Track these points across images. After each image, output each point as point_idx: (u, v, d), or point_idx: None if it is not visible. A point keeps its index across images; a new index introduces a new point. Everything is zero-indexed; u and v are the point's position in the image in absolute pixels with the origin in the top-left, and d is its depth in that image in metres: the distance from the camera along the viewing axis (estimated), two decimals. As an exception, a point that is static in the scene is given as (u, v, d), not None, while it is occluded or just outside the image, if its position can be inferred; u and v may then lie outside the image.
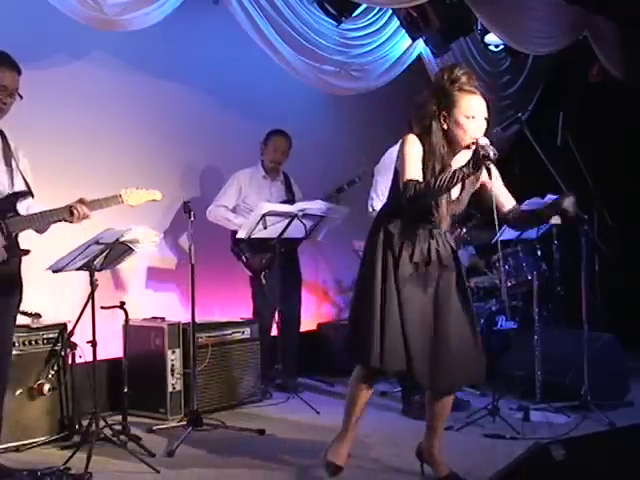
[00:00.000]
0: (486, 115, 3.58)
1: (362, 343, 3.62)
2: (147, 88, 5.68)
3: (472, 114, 3.54)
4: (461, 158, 3.56)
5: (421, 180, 3.48)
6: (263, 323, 5.67)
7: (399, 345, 3.55)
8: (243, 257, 5.71)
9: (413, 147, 3.55)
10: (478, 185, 3.70)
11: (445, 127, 3.56)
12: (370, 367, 3.65)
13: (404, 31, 6.23)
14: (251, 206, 5.68)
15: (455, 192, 3.63)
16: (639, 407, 5.20)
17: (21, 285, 3.89)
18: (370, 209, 4.97)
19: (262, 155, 5.88)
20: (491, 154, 3.37)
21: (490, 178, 3.49)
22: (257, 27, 5.47)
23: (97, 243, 4.01)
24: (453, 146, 3.58)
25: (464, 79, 3.60)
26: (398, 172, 3.61)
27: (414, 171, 3.50)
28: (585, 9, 6.88)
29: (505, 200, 3.76)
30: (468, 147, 3.52)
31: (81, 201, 3.83)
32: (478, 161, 3.39)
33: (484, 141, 3.44)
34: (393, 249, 3.60)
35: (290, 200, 5.82)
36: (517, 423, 4.66)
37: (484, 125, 3.57)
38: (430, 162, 3.54)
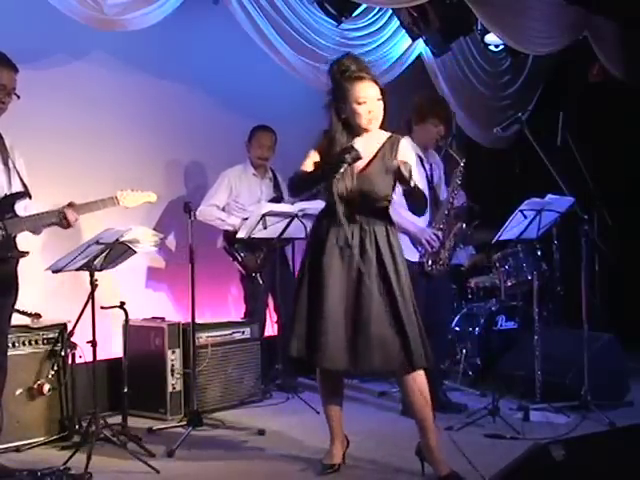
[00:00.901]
0: (378, 96, 3.75)
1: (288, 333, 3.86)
2: (147, 88, 5.68)
3: (362, 99, 3.70)
4: (363, 140, 3.71)
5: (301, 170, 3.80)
6: (257, 324, 5.66)
7: (308, 333, 3.72)
8: (238, 257, 5.69)
9: (308, 153, 3.89)
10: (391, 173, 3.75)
11: (344, 116, 3.76)
12: (289, 356, 3.83)
13: (404, 31, 6.22)
14: (243, 205, 5.68)
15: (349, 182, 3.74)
16: (639, 407, 5.20)
17: (17, 285, 3.89)
18: None
19: (248, 152, 5.86)
20: (351, 155, 3.60)
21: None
22: (257, 27, 5.47)
23: (97, 243, 4.02)
24: (355, 132, 3.75)
25: (353, 67, 3.78)
26: None
27: (305, 164, 3.85)
28: (585, 9, 6.87)
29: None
30: (366, 131, 3.72)
31: (70, 205, 3.84)
32: (337, 158, 3.64)
33: (357, 145, 3.64)
34: (321, 236, 3.79)
35: (278, 198, 5.80)
36: (517, 423, 4.66)
37: (377, 106, 3.74)
38: (333, 151, 3.75)
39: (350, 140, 3.72)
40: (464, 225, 5.02)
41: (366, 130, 3.74)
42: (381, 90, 3.77)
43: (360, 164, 3.72)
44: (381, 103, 3.75)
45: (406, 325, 3.68)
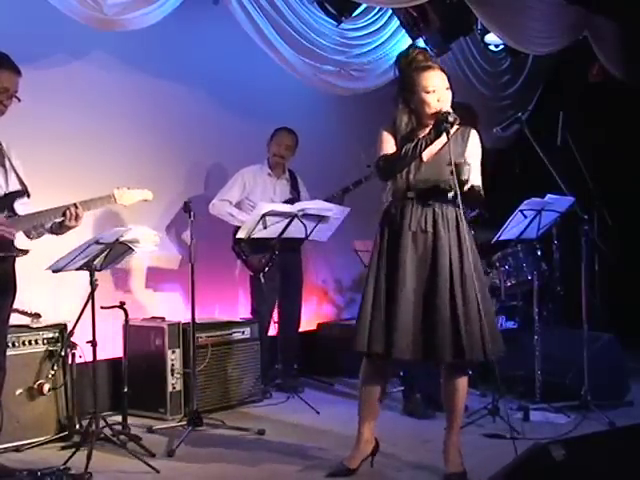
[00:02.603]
0: (447, 85, 3.76)
1: (355, 329, 3.77)
2: (147, 88, 5.68)
3: (431, 88, 3.72)
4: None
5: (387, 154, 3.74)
6: (261, 323, 5.67)
7: (383, 327, 3.67)
8: (243, 256, 5.70)
9: (383, 136, 3.81)
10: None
11: (412, 106, 3.77)
12: (356, 352, 3.76)
13: (404, 31, 6.22)
14: (255, 203, 5.68)
15: (425, 157, 3.75)
16: (639, 407, 5.20)
17: (15, 285, 3.89)
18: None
19: (268, 152, 5.89)
20: (450, 118, 3.59)
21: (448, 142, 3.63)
22: (257, 27, 5.46)
23: (97, 243, 4.01)
24: (424, 122, 3.76)
25: (420, 57, 3.81)
26: None
27: (384, 149, 3.77)
28: (585, 9, 6.87)
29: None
30: (433, 117, 3.71)
31: (75, 205, 3.84)
32: (437, 126, 3.63)
33: (446, 109, 3.66)
34: (393, 224, 3.76)
35: (295, 199, 5.82)
36: (517, 423, 4.66)
37: (446, 95, 3.75)
38: (402, 142, 3.74)
39: (417, 132, 3.74)
40: (472, 232, 5.02)
41: (430, 119, 3.72)
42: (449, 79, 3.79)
43: (431, 150, 3.72)
44: (450, 92, 3.75)
45: (483, 314, 3.67)
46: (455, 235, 3.76)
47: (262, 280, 5.55)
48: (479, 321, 3.67)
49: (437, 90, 3.72)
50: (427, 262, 3.71)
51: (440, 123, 3.62)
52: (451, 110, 3.65)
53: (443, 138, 3.68)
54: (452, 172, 3.64)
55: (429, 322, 3.66)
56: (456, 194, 3.64)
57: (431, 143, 3.66)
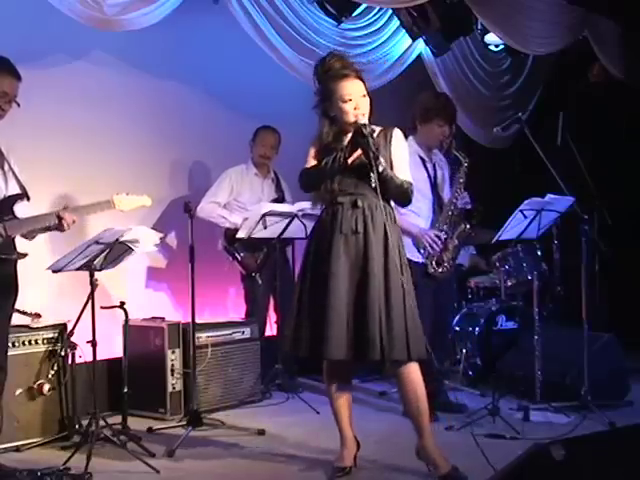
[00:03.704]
0: (363, 92, 3.80)
1: (285, 330, 3.89)
2: (147, 88, 5.68)
3: (348, 97, 3.75)
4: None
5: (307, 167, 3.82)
6: (257, 324, 5.66)
7: (311, 330, 3.72)
8: (238, 256, 5.68)
9: (309, 151, 3.90)
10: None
11: (332, 114, 3.81)
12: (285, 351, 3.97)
13: (404, 31, 6.22)
14: (243, 204, 5.68)
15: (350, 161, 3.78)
16: (639, 407, 5.20)
17: (17, 286, 3.89)
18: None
19: (251, 152, 5.87)
20: (365, 131, 3.64)
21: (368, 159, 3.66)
22: (257, 27, 5.47)
23: (97, 243, 4.02)
24: (344, 129, 3.81)
25: (337, 65, 3.82)
26: None
27: (307, 162, 3.87)
28: (585, 9, 6.87)
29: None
30: (350, 125, 3.76)
31: (66, 208, 3.84)
32: (354, 139, 3.69)
33: (362, 121, 3.70)
34: (324, 229, 3.80)
35: (280, 198, 5.81)
36: (517, 423, 4.66)
37: (363, 102, 3.78)
38: (327, 151, 3.80)
39: (340, 138, 3.80)
40: (468, 226, 5.01)
41: (349, 127, 3.76)
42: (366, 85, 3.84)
43: (354, 156, 3.74)
44: (367, 99, 3.79)
45: (407, 315, 3.69)
46: (382, 236, 3.77)
47: (260, 281, 5.54)
48: (404, 321, 3.69)
49: (353, 98, 3.74)
50: (359, 263, 3.73)
51: (355, 136, 3.68)
52: (366, 121, 3.69)
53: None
54: (371, 169, 3.67)
55: (360, 321, 3.67)
56: (377, 187, 3.68)
57: (349, 156, 3.71)
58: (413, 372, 3.77)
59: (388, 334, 3.64)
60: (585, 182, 6.13)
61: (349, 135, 3.77)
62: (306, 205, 5.21)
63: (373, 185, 3.68)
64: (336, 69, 3.79)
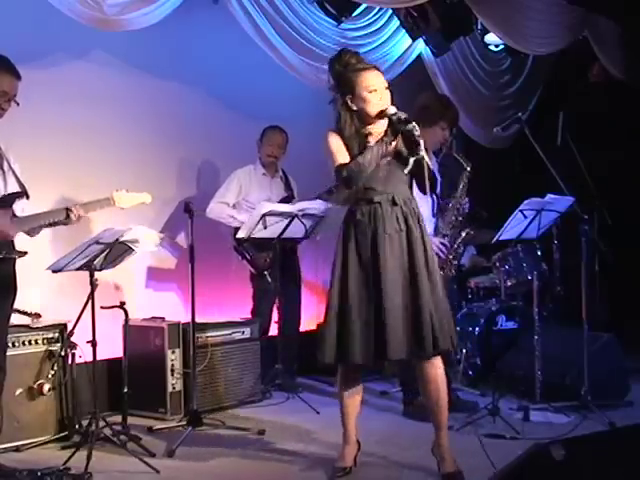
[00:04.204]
0: (386, 85, 3.79)
1: (318, 340, 3.81)
2: (147, 87, 5.68)
3: (373, 87, 3.74)
4: (375, 128, 3.78)
5: (346, 162, 3.71)
6: (262, 323, 5.67)
7: (361, 334, 3.68)
8: (248, 256, 5.69)
9: (331, 139, 3.79)
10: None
11: (354, 108, 3.77)
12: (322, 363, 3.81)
13: (404, 31, 6.22)
14: (253, 204, 5.67)
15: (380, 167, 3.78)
16: (639, 407, 5.20)
17: (16, 285, 3.89)
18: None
19: (259, 152, 5.88)
20: (402, 117, 3.63)
21: (412, 144, 3.64)
22: (257, 27, 5.47)
23: (97, 243, 4.01)
24: (367, 122, 3.78)
25: (354, 60, 3.82)
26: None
27: (340, 157, 3.74)
28: (585, 9, 6.87)
29: None
30: (379, 117, 3.74)
31: (75, 204, 3.84)
32: (393, 127, 3.67)
33: (392, 109, 3.69)
34: (366, 230, 3.74)
35: (290, 197, 5.82)
36: (517, 423, 4.66)
37: (387, 94, 3.78)
38: (350, 145, 3.76)
39: (362, 131, 3.76)
40: (471, 231, 5.01)
41: (378, 116, 3.74)
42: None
43: (395, 144, 3.75)
44: (388, 92, 3.78)
45: (436, 307, 3.72)
46: (420, 230, 3.79)
47: (269, 279, 5.54)
48: (448, 313, 3.79)
49: (378, 89, 3.75)
50: (406, 261, 3.73)
51: (393, 124, 3.67)
52: (395, 109, 3.69)
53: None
54: (412, 155, 3.64)
55: (415, 320, 3.68)
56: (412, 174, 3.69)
57: (390, 145, 3.71)
58: (439, 367, 3.80)
59: (440, 327, 3.69)
60: (585, 182, 6.13)
61: (374, 127, 3.76)
62: (306, 205, 5.22)
63: (407, 171, 3.67)
64: (354, 63, 3.79)
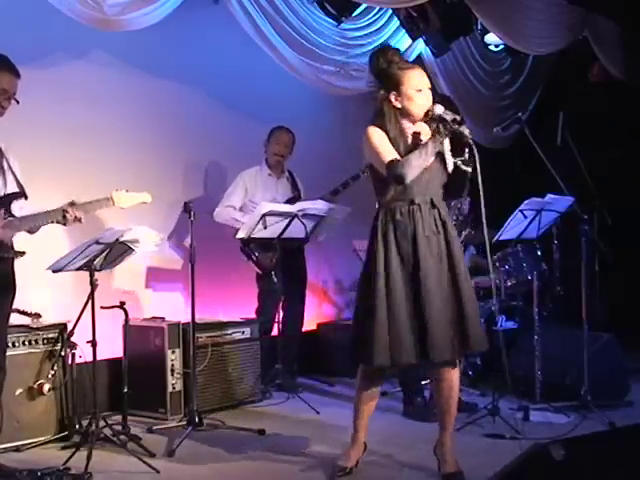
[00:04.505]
0: (429, 85, 3.77)
1: (364, 342, 3.67)
2: (147, 88, 5.68)
3: (419, 87, 3.72)
4: (419, 127, 3.75)
5: (399, 158, 3.65)
6: (266, 323, 5.67)
7: (415, 334, 3.65)
8: (253, 256, 5.69)
9: (376, 134, 3.72)
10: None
11: (399, 106, 3.73)
12: (373, 366, 3.72)
13: (404, 31, 6.22)
14: (258, 204, 5.67)
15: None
16: (639, 407, 5.20)
17: (14, 285, 3.89)
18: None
19: (266, 153, 5.89)
20: (456, 118, 3.61)
21: (460, 145, 3.64)
22: (257, 27, 5.47)
23: (97, 243, 4.02)
24: (411, 120, 3.76)
25: (397, 58, 3.79)
26: (373, 166, 3.76)
27: (389, 152, 3.67)
28: (585, 9, 6.87)
29: None
30: (425, 117, 3.71)
31: (72, 204, 3.83)
32: (447, 125, 3.62)
33: (439, 109, 3.66)
34: (406, 231, 3.69)
35: (296, 197, 5.82)
36: (517, 423, 4.66)
37: (430, 94, 3.76)
38: (395, 143, 3.71)
39: (405, 130, 3.74)
40: (472, 231, 5.01)
41: (424, 118, 3.72)
42: None
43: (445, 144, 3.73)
44: (431, 92, 3.77)
45: (474, 308, 3.75)
46: (454, 233, 3.81)
47: (275, 279, 5.53)
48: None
49: (423, 89, 3.73)
50: (445, 263, 3.71)
51: (445, 124, 3.62)
52: (443, 108, 3.67)
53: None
54: (460, 154, 3.65)
55: (459, 320, 3.68)
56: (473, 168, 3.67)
57: (442, 144, 3.67)
58: (455, 372, 3.82)
59: (479, 327, 3.73)
60: (585, 182, 6.13)
61: (417, 126, 3.74)
62: (306, 205, 5.22)
63: (451, 169, 3.67)
64: (397, 61, 3.76)
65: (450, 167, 3.75)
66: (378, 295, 3.66)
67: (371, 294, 3.68)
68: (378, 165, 3.70)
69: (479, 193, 3.79)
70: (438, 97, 4.38)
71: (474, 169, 3.66)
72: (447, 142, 3.72)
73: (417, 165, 3.62)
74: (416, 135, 3.74)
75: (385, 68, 3.75)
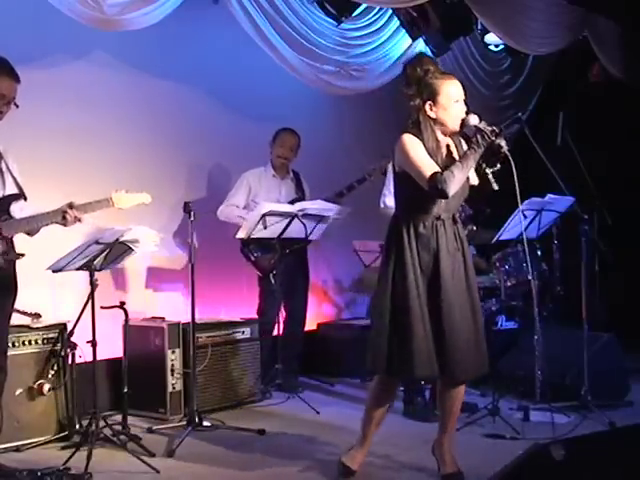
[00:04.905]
0: (464, 96, 3.71)
1: (401, 353, 3.61)
2: (147, 88, 5.68)
3: (456, 98, 3.67)
4: (454, 139, 3.73)
5: (441, 172, 3.56)
6: (267, 323, 5.66)
7: (433, 349, 3.63)
8: (252, 257, 5.69)
9: (414, 144, 3.63)
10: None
11: (433, 116, 3.67)
12: (419, 378, 3.91)
13: (404, 31, 6.22)
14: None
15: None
16: (639, 407, 5.20)
17: (16, 285, 3.90)
18: (382, 205, 4.98)
19: (271, 154, 5.89)
20: (495, 129, 3.58)
21: (495, 158, 3.63)
22: (257, 27, 5.47)
23: (97, 243, 4.02)
24: (445, 131, 3.71)
25: (433, 68, 3.73)
26: (405, 174, 3.66)
27: (430, 165, 3.59)
28: (585, 9, 6.87)
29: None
30: (461, 128, 3.65)
31: (71, 205, 3.83)
32: (485, 136, 3.55)
33: (475, 119, 3.61)
34: (427, 245, 3.64)
35: (300, 198, 5.82)
36: (517, 423, 4.66)
37: (464, 106, 3.70)
38: (432, 154, 3.64)
39: (440, 142, 3.69)
40: (474, 228, 5.01)
41: (460, 130, 3.68)
42: None
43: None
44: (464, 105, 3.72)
45: (480, 328, 3.74)
46: (469, 253, 3.82)
47: (272, 281, 5.53)
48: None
49: (460, 100, 3.68)
50: (463, 280, 3.71)
51: (484, 135, 3.56)
52: (479, 118, 3.61)
53: (462, 150, 3.69)
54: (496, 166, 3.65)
55: (479, 338, 3.69)
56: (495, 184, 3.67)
57: (479, 156, 3.61)
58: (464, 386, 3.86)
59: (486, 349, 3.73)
60: (585, 182, 6.12)
61: (447, 135, 3.70)
62: (306, 205, 5.22)
63: (495, 186, 3.65)
64: (433, 70, 3.69)
65: (475, 181, 3.72)
66: (412, 305, 3.60)
67: (403, 302, 3.62)
68: (418, 178, 3.59)
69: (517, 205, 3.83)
70: None
71: (495, 176, 3.64)
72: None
73: (460, 179, 3.57)
74: (449, 147, 3.71)
75: (422, 77, 3.67)
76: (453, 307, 3.62)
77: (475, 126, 3.59)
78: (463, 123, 3.64)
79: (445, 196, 3.56)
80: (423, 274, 3.64)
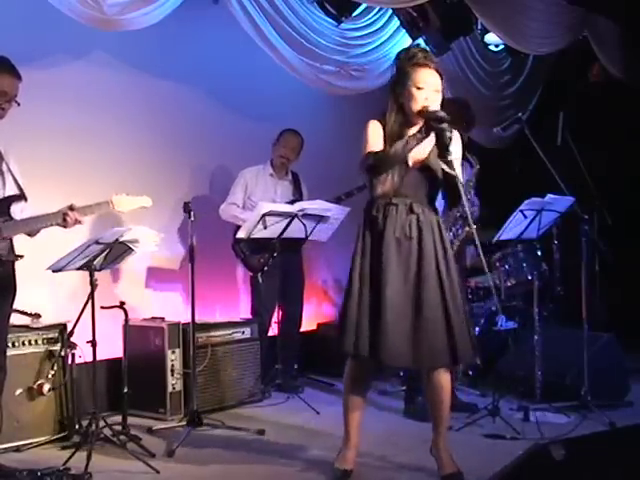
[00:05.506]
0: (438, 88, 3.71)
1: (340, 329, 3.76)
2: (147, 88, 5.67)
3: (421, 84, 3.67)
4: (417, 128, 3.70)
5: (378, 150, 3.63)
6: (261, 323, 5.66)
7: (369, 330, 3.65)
8: (241, 255, 5.70)
9: (372, 128, 3.73)
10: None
11: (400, 101, 3.71)
12: (343, 353, 3.78)
13: (404, 31, 6.22)
14: (255, 203, 5.67)
15: (411, 162, 3.70)
16: (639, 407, 5.20)
17: (15, 286, 3.90)
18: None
19: (272, 154, 5.90)
20: (439, 115, 3.55)
21: (442, 146, 3.58)
22: (257, 27, 5.46)
23: (97, 243, 4.02)
24: (409, 119, 3.72)
25: (420, 55, 3.75)
26: None
27: (372, 146, 3.67)
28: (585, 9, 6.87)
29: None
30: (419, 115, 3.65)
31: (71, 207, 3.83)
32: (428, 124, 3.57)
33: (432, 108, 3.61)
34: (377, 228, 3.70)
35: (297, 200, 5.82)
36: (517, 423, 4.66)
37: (435, 96, 3.69)
38: (389, 137, 3.69)
39: (404, 128, 3.70)
40: (474, 227, 5.01)
41: (419, 115, 3.65)
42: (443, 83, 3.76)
43: (416, 156, 3.69)
44: (439, 95, 3.70)
45: (453, 320, 3.67)
46: (440, 241, 3.74)
47: (260, 280, 5.54)
48: (467, 325, 3.74)
49: (426, 87, 3.67)
50: (412, 269, 3.67)
51: (429, 121, 3.58)
52: (437, 107, 3.62)
53: (431, 140, 3.64)
54: (444, 155, 3.59)
55: (421, 331, 3.63)
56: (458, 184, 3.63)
57: (420, 142, 3.61)
58: (447, 375, 3.81)
59: (450, 340, 3.65)
60: (585, 182, 6.13)
61: (415, 125, 3.68)
62: (306, 205, 5.22)
63: (453, 173, 3.61)
64: (419, 57, 3.72)
65: (439, 173, 3.70)
66: (352, 285, 3.72)
67: (347, 283, 3.76)
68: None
69: (479, 192, 3.80)
70: (449, 102, 4.36)
71: (451, 166, 3.59)
72: (432, 144, 3.67)
73: (390, 159, 3.61)
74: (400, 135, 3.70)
75: (402, 64, 3.74)
76: (389, 293, 3.62)
77: (431, 113, 3.57)
78: (422, 111, 3.63)
79: (371, 173, 3.67)
80: (366, 257, 3.71)
